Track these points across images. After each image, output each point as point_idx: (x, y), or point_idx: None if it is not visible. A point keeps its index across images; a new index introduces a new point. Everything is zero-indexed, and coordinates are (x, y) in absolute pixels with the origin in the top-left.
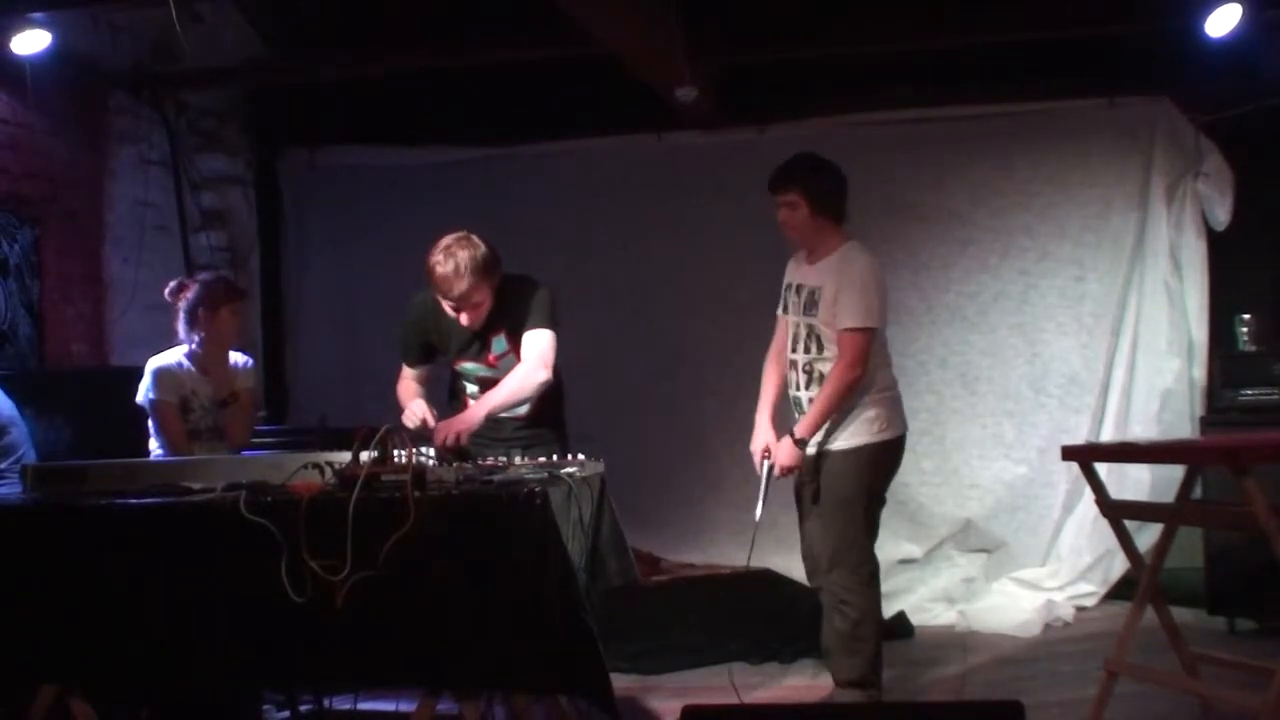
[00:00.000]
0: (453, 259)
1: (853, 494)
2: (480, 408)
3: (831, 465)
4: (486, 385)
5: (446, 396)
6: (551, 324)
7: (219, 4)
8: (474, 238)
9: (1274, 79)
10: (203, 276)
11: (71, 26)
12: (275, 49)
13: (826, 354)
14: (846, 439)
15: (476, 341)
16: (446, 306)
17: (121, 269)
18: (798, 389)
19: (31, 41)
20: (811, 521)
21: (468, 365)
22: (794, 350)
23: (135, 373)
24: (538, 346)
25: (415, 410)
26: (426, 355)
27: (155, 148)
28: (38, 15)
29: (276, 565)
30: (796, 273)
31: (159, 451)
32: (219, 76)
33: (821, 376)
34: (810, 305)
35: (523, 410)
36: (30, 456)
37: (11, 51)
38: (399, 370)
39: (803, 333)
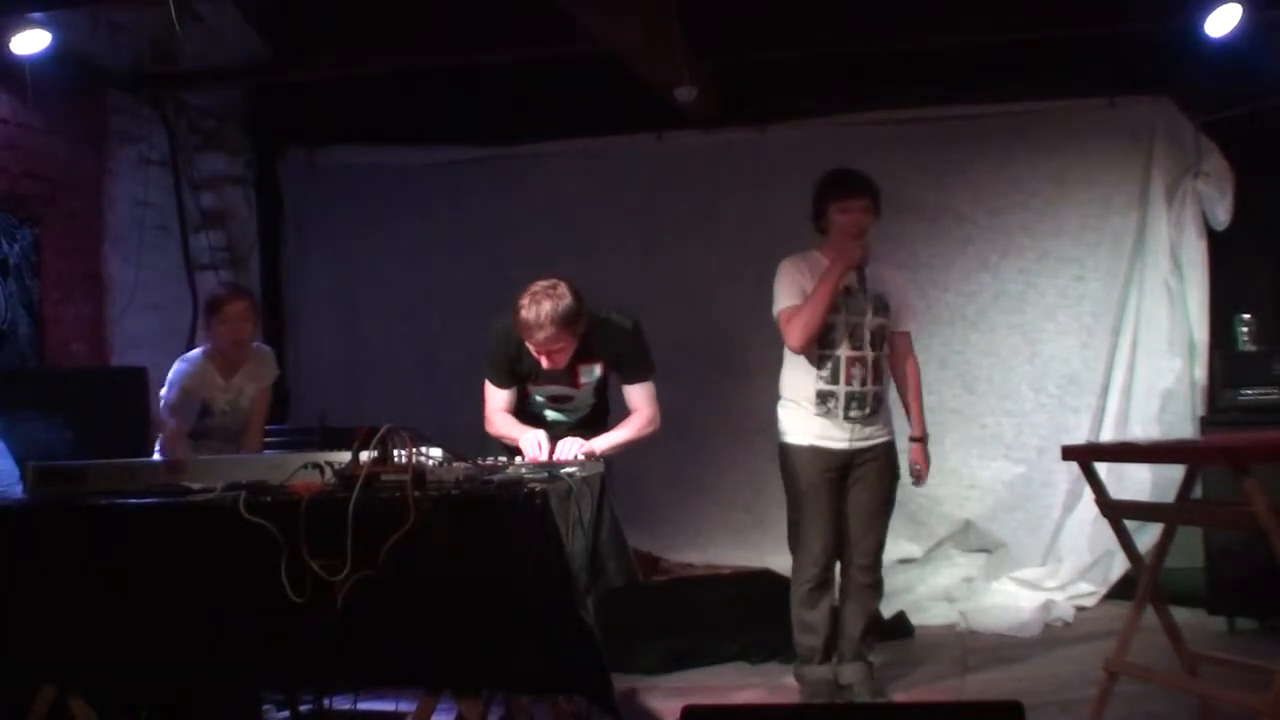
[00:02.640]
0: (536, 306)
1: (896, 486)
2: (598, 444)
3: (888, 455)
4: (559, 399)
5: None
6: (653, 371)
7: (219, 4)
8: (562, 286)
9: (1274, 79)
10: (207, 290)
11: (71, 26)
12: (275, 49)
13: (884, 350)
14: (887, 433)
15: (566, 371)
16: (530, 347)
17: (121, 269)
18: (864, 384)
19: (31, 41)
20: (851, 514)
21: (552, 388)
22: (857, 348)
23: (136, 373)
24: (649, 399)
25: (537, 442)
26: (514, 380)
27: (155, 148)
28: (38, 15)
29: (276, 565)
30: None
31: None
32: (219, 76)
33: (882, 371)
34: (884, 308)
35: (571, 419)
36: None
37: (11, 51)
38: (481, 394)
39: (868, 331)
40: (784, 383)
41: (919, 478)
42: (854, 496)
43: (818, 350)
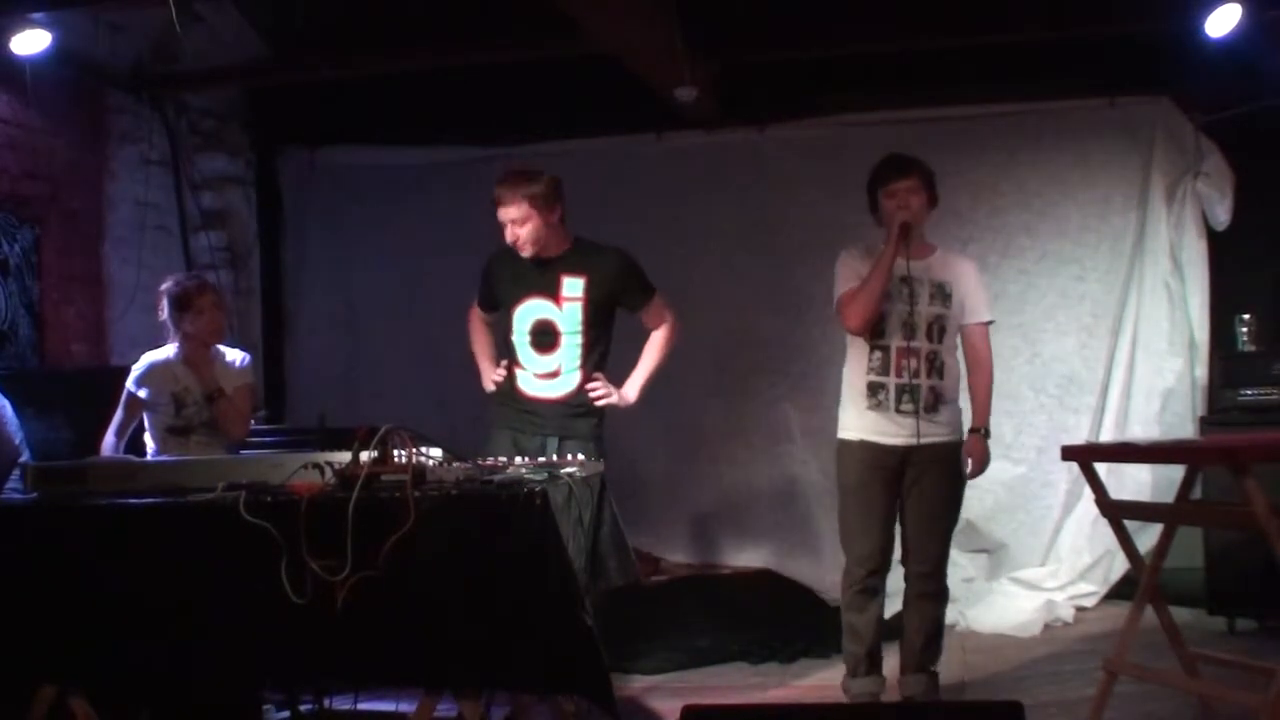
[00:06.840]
0: (509, 175)
1: (961, 490)
2: (631, 389)
3: (952, 455)
4: (541, 331)
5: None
6: (653, 286)
7: (219, 4)
8: (541, 171)
9: (1274, 79)
10: (166, 284)
11: (71, 26)
12: (275, 49)
13: (946, 344)
14: (957, 431)
15: (548, 277)
16: (504, 227)
17: (121, 269)
18: (915, 377)
19: (31, 41)
20: (909, 518)
21: (534, 303)
22: (910, 339)
23: None
24: (662, 309)
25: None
26: (495, 303)
27: (155, 148)
28: (38, 15)
29: (276, 566)
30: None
31: (152, 446)
32: (219, 76)
33: (944, 366)
34: (945, 298)
35: (559, 393)
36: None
37: (11, 51)
38: (480, 394)
39: (923, 322)
40: (844, 378)
41: (970, 472)
42: (912, 499)
43: (869, 341)
